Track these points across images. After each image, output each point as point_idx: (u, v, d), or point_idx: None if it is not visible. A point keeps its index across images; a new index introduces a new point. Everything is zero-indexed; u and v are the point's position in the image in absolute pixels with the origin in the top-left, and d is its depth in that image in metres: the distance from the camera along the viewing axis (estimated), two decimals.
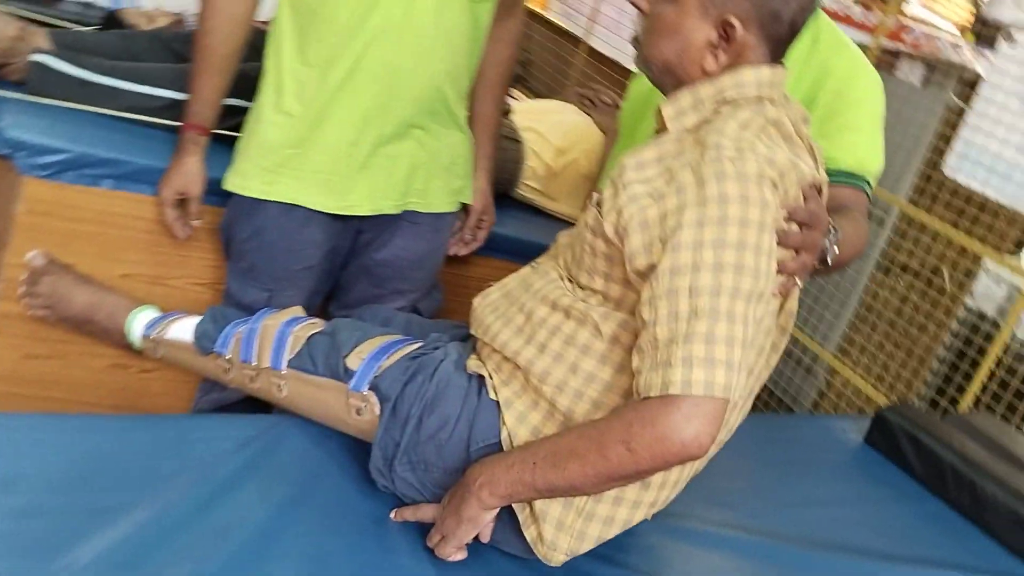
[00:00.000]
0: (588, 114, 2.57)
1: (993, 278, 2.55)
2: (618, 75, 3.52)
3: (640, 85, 1.73)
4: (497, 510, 1.22)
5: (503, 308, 1.35)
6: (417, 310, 1.88)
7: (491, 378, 1.31)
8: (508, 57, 1.87)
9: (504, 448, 1.27)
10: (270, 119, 1.60)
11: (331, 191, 1.62)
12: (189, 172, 1.65)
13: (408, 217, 1.73)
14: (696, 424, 1.06)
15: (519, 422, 1.27)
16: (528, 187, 2.43)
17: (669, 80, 1.25)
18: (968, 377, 2.42)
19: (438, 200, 1.76)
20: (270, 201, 1.62)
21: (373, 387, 1.36)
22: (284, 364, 1.45)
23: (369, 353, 1.39)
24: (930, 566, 1.62)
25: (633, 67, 4.02)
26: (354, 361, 1.39)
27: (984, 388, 2.39)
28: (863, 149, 1.51)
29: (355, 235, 1.74)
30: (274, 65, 1.60)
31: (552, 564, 1.26)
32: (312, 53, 1.56)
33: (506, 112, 2.35)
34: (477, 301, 1.41)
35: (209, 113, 1.64)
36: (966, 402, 2.39)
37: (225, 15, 1.57)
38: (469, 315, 1.42)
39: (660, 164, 1.19)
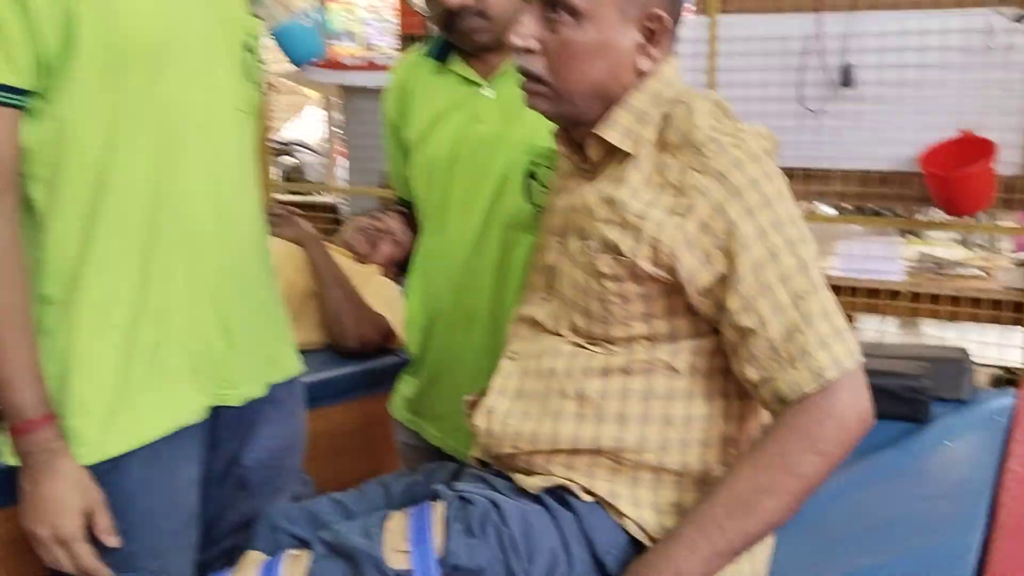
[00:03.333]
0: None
1: None
2: None
3: (429, 167, 1.61)
4: None
5: (534, 408, 1.18)
6: (298, 499, 1.57)
7: (571, 482, 1.14)
8: None
9: (640, 539, 1.11)
10: (96, 340, 1.20)
11: (201, 382, 1.29)
12: (79, 481, 1.18)
13: (268, 397, 1.43)
14: (862, 395, 1.05)
15: (636, 507, 1.12)
16: None
17: (598, 104, 1.17)
18: None
19: (290, 363, 1.49)
20: (129, 454, 1.23)
21: (450, 570, 1.10)
22: None
23: (407, 538, 1.13)
24: None
25: None
26: (399, 559, 1.11)
27: None
28: None
29: (223, 448, 1.39)
30: (54, 271, 1.21)
31: None
32: (120, 237, 1.21)
33: None
34: (483, 422, 1.22)
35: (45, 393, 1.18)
36: None
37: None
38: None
39: (651, 185, 1.13)
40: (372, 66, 3.15)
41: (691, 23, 2.60)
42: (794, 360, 1.04)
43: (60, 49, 1.14)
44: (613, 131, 1.16)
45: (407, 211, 1.79)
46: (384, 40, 7.03)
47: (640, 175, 1.14)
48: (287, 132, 7.85)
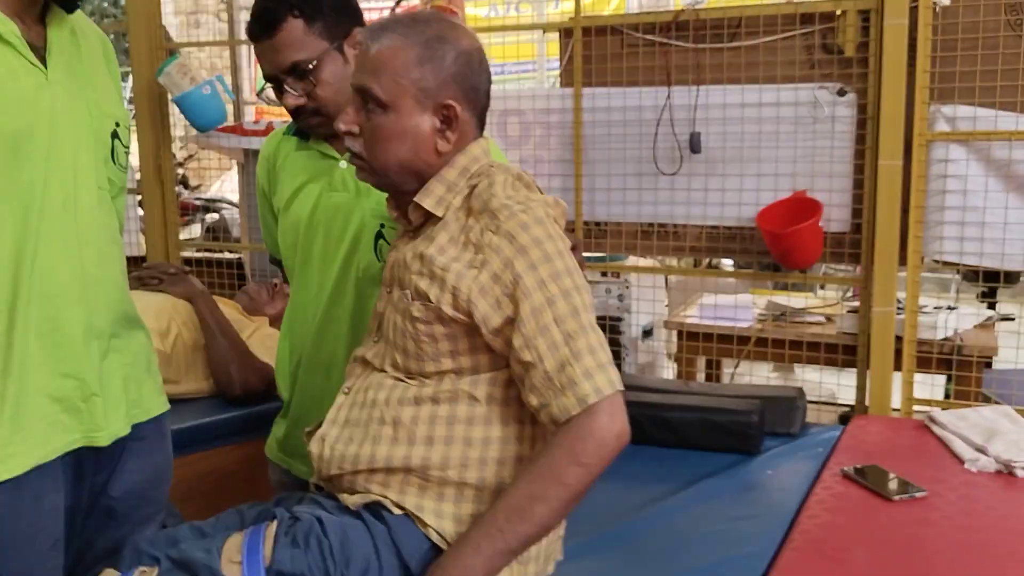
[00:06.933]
0: (161, 291, 2.49)
1: None
2: None
3: (293, 229, 1.80)
4: None
5: (358, 434, 1.36)
6: (165, 528, 1.71)
7: (384, 498, 1.32)
8: None
9: (441, 546, 1.29)
10: None
11: (67, 424, 1.43)
12: None
13: (133, 435, 1.58)
14: (619, 417, 1.24)
15: (439, 518, 1.30)
16: None
17: (409, 177, 1.38)
18: None
19: (154, 403, 1.63)
20: None
21: (275, 575, 1.27)
22: None
23: (241, 552, 1.29)
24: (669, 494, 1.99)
25: None
26: (232, 569, 1.27)
27: None
28: None
29: (90, 481, 1.54)
30: None
31: None
32: None
33: None
34: (316, 447, 1.39)
35: None
36: None
37: None
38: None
39: (456, 243, 1.33)
40: (271, 131, 3.33)
41: (558, 95, 2.85)
42: (564, 389, 1.23)
43: None
44: (428, 199, 1.37)
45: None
46: None
47: (447, 235, 1.34)
48: (215, 190, 8.02)
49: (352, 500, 1.34)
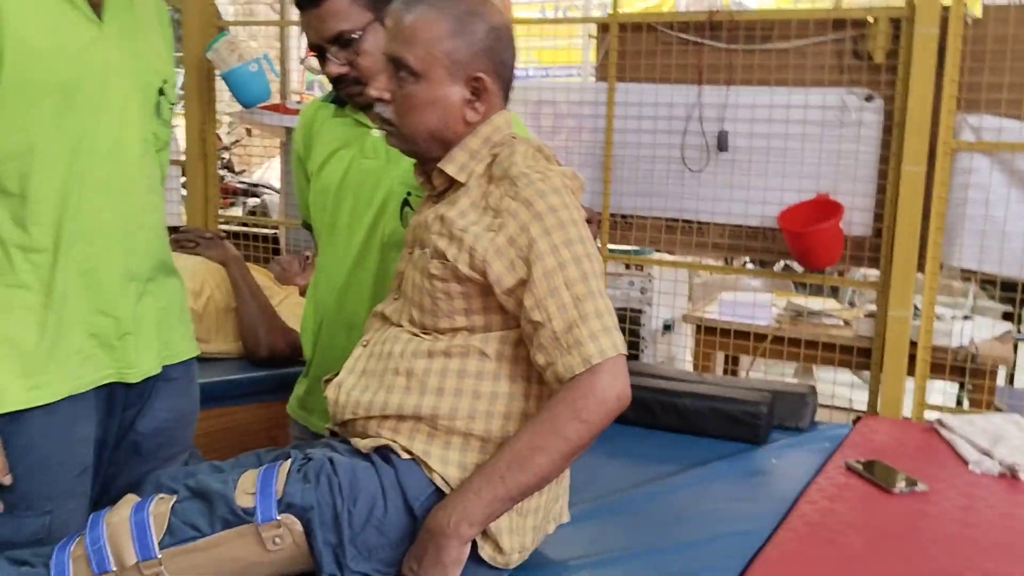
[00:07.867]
0: (197, 254, 2.59)
1: None
2: None
3: (323, 193, 1.88)
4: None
5: (373, 383, 1.43)
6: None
7: (394, 443, 1.39)
8: None
9: (444, 490, 1.36)
10: (10, 316, 1.43)
11: (101, 359, 1.51)
12: None
13: (162, 375, 1.66)
14: (620, 378, 1.30)
15: (444, 464, 1.37)
16: None
17: (436, 145, 1.45)
18: None
19: (184, 347, 1.72)
20: (31, 409, 1.46)
21: (285, 508, 1.34)
22: (156, 549, 1.34)
23: (256, 484, 1.37)
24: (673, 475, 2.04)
25: None
26: (246, 499, 1.35)
27: None
28: None
29: (120, 416, 1.62)
30: None
31: (510, 568, 1.40)
32: (36, 233, 1.45)
33: None
34: (332, 393, 1.47)
35: None
36: None
37: None
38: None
39: (477, 208, 1.40)
40: None
41: (592, 89, 2.91)
42: (570, 348, 1.30)
43: None
44: (452, 165, 1.44)
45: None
46: None
47: (468, 199, 1.41)
48: (258, 176, 8.17)
49: (364, 444, 1.41)
